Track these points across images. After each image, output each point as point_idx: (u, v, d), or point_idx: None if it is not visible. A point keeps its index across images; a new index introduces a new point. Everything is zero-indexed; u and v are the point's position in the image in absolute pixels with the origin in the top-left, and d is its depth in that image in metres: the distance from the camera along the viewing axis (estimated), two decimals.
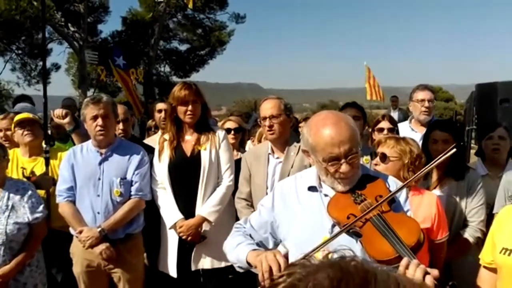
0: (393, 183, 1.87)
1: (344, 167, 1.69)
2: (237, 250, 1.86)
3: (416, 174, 2.01)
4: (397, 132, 3.63)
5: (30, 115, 3.52)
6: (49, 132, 4.07)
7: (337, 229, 1.72)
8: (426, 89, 3.84)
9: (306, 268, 0.55)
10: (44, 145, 3.51)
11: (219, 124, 4.37)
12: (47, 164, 3.47)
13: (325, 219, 1.76)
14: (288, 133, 3.14)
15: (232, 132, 4.03)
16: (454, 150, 1.69)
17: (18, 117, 3.53)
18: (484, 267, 2.05)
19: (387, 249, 1.57)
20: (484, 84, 5.80)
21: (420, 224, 1.82)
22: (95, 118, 3.01)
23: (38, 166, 3.50)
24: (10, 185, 3.01)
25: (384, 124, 3.68)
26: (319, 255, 1.70)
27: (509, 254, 1.87)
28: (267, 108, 3.07)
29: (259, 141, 3.93)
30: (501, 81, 5.20)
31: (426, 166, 1.93)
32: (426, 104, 3.76)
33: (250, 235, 1.96)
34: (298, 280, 0.54)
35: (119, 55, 10.49)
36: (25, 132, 3.44)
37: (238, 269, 1.92)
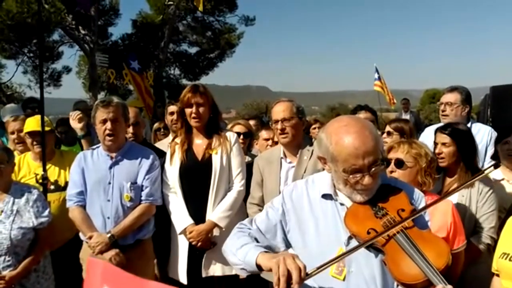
0: (414, 194, 1.74)
1: (367, 180, 1.57)
2: (243, 251, 1.66)
3: (444, 194, 1.91)
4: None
5: (39, 127, 3.44)
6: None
7: (353, 241, 1.60)
8: (449, 91, 3.75)
9: None
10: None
11: (228, 127, 4.33)
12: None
13: (340, 230, 1.64)
14: (301, 137, 3.08)
15: (241, 136, 3.97)
16: (492, 168, 1.63)
17: (28, 127, 3.49)
18: (496, 274, 2.02)
19: (415, 271, 1.44)
20: (499, 86, 5.71)
21: (436, 233, 1.73)
22: (104, 121, 2.97)
23: (50, 171, 3.48)
24: (15, 190, 2.98)
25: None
26: (333, 268, 1.62)
27: (506, 258, 1.88)
28: (279, 111, 3.01)
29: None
30: None
31: (458, 186, 1.87)
32: (442, 107, 3.70)
33: (256, 239, 1.78)
34: None
35: (134, 59, 10.50)
36: (35, 142, 3.45)
37: (240, 272, 1.74)
